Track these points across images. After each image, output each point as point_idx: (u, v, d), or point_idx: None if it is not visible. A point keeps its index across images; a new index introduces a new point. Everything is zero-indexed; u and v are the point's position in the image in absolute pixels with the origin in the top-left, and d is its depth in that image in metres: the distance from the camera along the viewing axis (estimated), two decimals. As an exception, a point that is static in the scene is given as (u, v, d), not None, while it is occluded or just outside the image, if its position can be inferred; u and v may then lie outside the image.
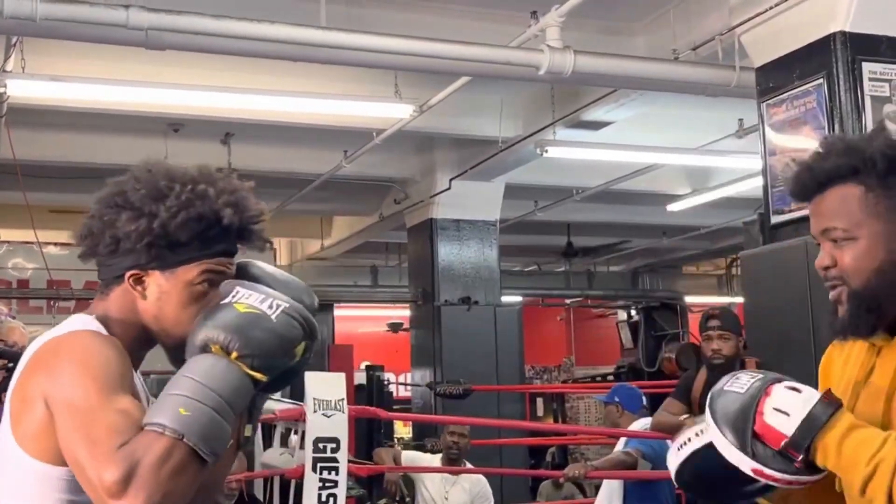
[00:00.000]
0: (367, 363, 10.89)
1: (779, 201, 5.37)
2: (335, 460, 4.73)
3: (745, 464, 1.46)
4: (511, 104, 8.01)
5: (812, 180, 1.62)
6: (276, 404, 5.85)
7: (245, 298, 1.58)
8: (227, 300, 1.58)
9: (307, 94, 6.85)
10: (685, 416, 4.72)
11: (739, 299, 5.73)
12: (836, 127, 5.03)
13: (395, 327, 14.54)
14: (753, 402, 1.47)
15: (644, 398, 5.90)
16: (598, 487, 5.70)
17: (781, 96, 5.34)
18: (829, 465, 1.46)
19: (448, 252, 9.69)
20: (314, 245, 13.12)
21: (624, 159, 8.69)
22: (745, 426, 1.45)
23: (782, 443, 1.44)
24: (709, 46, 5.94)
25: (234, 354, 1.51)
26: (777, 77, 5.40)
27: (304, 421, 4.86)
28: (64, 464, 1.50)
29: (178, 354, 1.62)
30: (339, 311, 12.50)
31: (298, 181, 9.47)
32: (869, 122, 5.01)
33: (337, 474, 4.73)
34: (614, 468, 5.17)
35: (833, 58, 5.06)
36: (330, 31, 5.25)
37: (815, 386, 1.65)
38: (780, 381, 1.53)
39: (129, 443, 1.43)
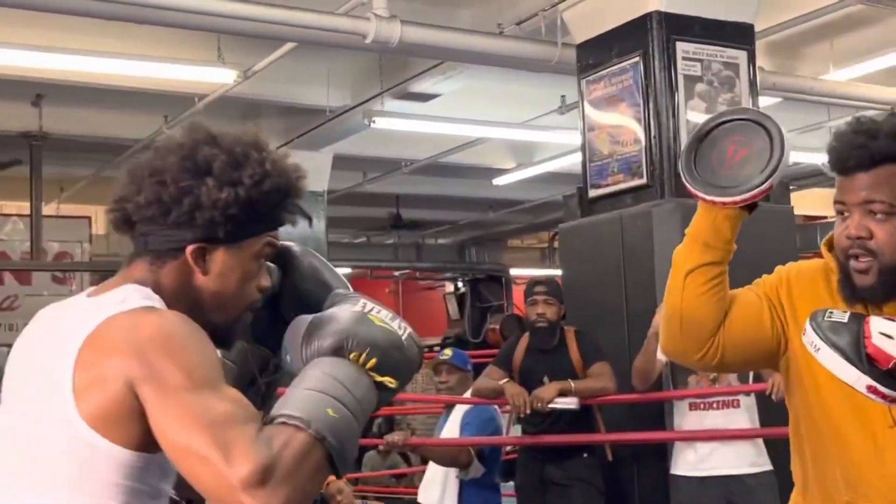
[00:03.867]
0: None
1: (596, 176, 5.53)
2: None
3: (862, 381, 1.58)
4: (339, 73, 7.92)
5: (868, 158, 1.70)
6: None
7: (377, 313, 1.49)
8: (357, 309, 1.49)
9: (124, 55, 6.56)
10: (505, 380, 4.81)
11: (560, 272, 5.87)
12: (651, 105, 5.22)
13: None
14: (861, 327, 1.60)
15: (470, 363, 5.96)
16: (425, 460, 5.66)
17: (600, 73, 5.49)
18: None
19: (274, 223, 9.51)
20: (134, 214, 12.64)
21: (450, 132, 8.75)
22: (859, 347, 1.58)
23: (892, 363, 1.57)
24: (532, 22, 6.04)
25: (371, 368, 1.43)
26: (596, 54, 5.54)
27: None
28: (140, 449, 1.37)
29: (226, 333, 1.53)
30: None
31: (116, 147, 9.08)
32: (681, 101, 5.21)
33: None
34: (448, 457, 5.06)
35: (649, 37, 5.23)
36: (147, -10, 5.04)
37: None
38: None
39: (264, 431, 1.31)
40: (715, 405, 4.43)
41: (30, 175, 9.30)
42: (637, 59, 5.26)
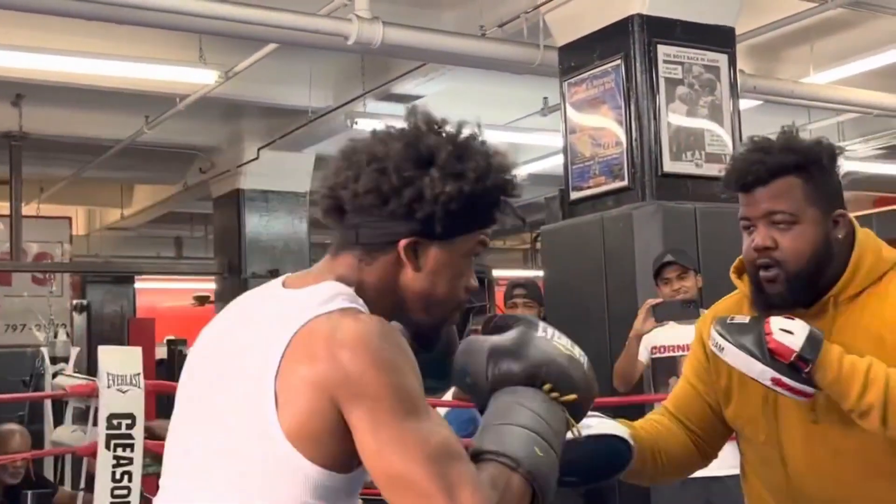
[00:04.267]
0: (171, 337, 10.58)
1: (578, 178, 5.54)
2: (130, 437, 4.56)
3: (766, 374, 1.65)
4: (321, 74, 7.91)
5: (764, 171, 1.78)
6: (67, 380, 5.59)
7: (559, 339, 1.44)
8: (540, 334, 1.44)
9: (105, 55, 6.54)
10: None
11: (542, 273, 5.89)
12: (633, 107, 5.23)
13: (201, 300, 14.18)
14: (762, 325, 1.68)
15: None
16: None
17: (582, 76, 5.50)
18: (830, 376, 1.66)
19: (256, 224, 9.52)
20: (114, 214, 12.60)
21: (433, 133, 8.75)
22: (761, 342, 1.66)
23: (792, 356, 1.65)
24: (515, 24, 6.05)
25: (566, 402, 1.39)
26: (578, 57, 5.56)
27: (97, 397, 4.66)
28: (335, 469, 1.28)
29: (431, 335, 1.45)
30: (141, 284, 12.07)
31: (96, 147, 9.06)
32: (663, 104, 5.23)
33: (132, 451, 4.56)
34: None
35: (631, 40, 5.24)
36: (128, -10, 5.02)
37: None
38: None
39: (485, 474, 1.27)
40: (695, 407, 4.44)
41: (9, 175, 9.26)
42: (619, 61, 5.28)
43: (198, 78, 6.85)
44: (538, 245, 14.81)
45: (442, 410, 5.07)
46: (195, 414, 1.40)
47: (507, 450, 1.29)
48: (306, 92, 7.86)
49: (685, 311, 4.11)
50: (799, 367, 1.64)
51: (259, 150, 9.07)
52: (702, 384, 1.97)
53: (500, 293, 12.54)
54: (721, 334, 1.70)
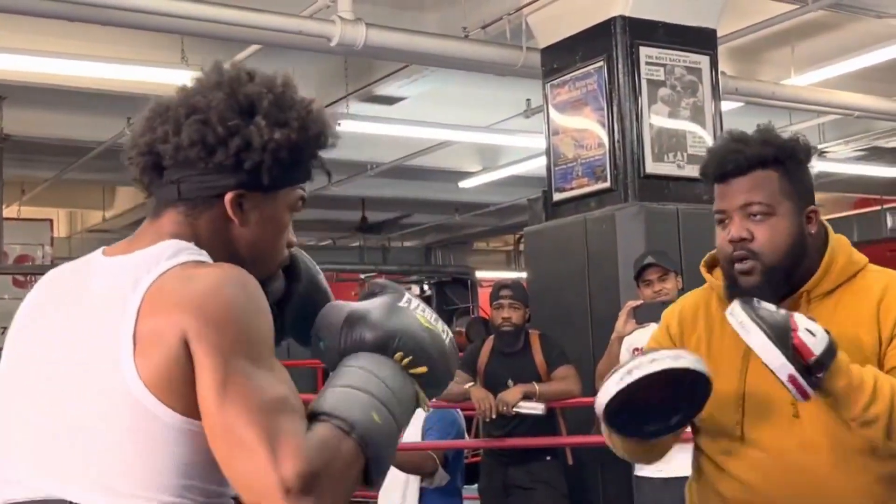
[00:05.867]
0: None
1: (560, 179, 5.55)
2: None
3: (785, 370, 1.63)
4: (304, 76, 7.89)
5: (743, 161, 1.81)
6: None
7: (422, 312, 1.39)
8: (402, 304, 1.39)
9: (87, 57, 6.50)
10: (469, 384, 4.81)
11: (525, 274, 5.90)
12: (615, 108, 5.25)
13: (184, 302, 14.12)
14: (789, 319, 1.65)
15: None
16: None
17: (565, 77, 5.52)
18: (841, 384, 1.66)
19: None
20: (95, 216, 12.54)
21: (416, 135, 8.76)
22: (787, 336, 1.63)
23: (812, 359, 1.63)
24: (497, 26, 6.06)
25: (415, 374, 1.33)
26: (561, 58, 5.57)
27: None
28: (190, 415, 1.21)
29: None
30: (123, 286, 12.02)
31: (78, 149, 9.01)
32: (645, 105, 5.25)
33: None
34: (412, 465, 5.07)
35: (613, 41, 5.26)
36: (110, -9, 5.00)
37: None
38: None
39: (315, 434, 1.19)
40: (678, 407, 4.46)
41: (-10, 177, 9.20)
42: (601, 63, 5.30)
43: (180, 79, 6.64)
44: (521, 246, 14.86)
45: (422, 412, 5.07)
46: (30, 399, 1.29)
47: (342, 412, 1.22)
48: (289, 93, 7.84)
49: (666, 312, 4.12)
50: (813, 369, 1.64)
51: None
52: None
53: (483, 294, 12.57)
54: (750, 316, 1.66)
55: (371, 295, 1.43)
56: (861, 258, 1.88)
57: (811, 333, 1.64)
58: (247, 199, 1.35)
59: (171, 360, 1.21)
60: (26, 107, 8.08)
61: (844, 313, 1.80)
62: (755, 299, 1.71)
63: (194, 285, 1.24)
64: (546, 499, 4.75)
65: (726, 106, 6.17)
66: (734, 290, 1.81)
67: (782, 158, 1.81)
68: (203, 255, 1.31)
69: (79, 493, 1.22)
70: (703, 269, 1.95)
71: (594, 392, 5.10)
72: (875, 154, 10.51)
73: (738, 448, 1.86)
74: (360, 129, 7.96)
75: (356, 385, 1.27)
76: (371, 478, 1.24)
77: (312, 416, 1.23)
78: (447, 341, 1.40)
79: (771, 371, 1.65)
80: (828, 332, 1.66)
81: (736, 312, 1.68)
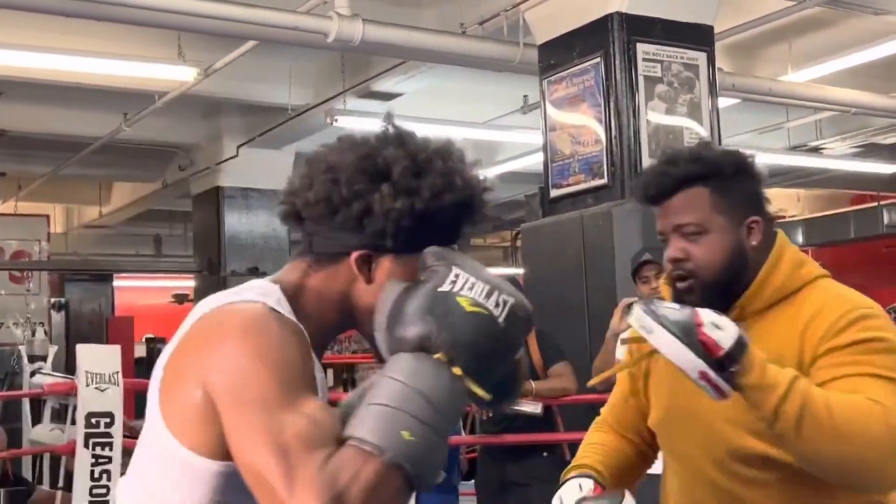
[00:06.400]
0: (149, 335, 10.54)
1: (557, 175, 5.55)
2: (109, 435, 4.55)
3: (695, 366, 1.59)
4: (301, 71, 7.89)
5: (669, 184, 1.81)
6: (45, 378, 5.57)
7: (469, 290, 1.27)
8: (446, 288, 1.27)
9: (84, 52, 6.50)
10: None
11: (522, 270, 5.90)
12: (612, 105, 5.25)
13: (180, 298, 14.12)
14: (693, 315, 1.61)
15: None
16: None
17: (562, 73, 5.52)
18: (752, 380, 1.61)
19: (236, 221, 9.49)
20: (92, 212, 12.52)
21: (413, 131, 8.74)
22: (692, 333, 1.59)
23: (721, 353, 1.59)
24: (495, 22, 6.05)
25: (459, 370, 1.24)
26: (558, 55, 5.57)
27: (76, 395, 4.64)
28: (219, 458, 1.25)
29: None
30: (119, 282, 12.02)
31: (74, 144, 9.00)
32: (642, 102, 5.25)
33: (111, 450, 4.55)
34: None
35: (610, 38, 5.26)
36: (107, -14, 4.99)
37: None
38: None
39: (332, 461, 1.17)
40: (674, 404, 4.46)
41: (-13, 173, 9.20)
42: (598, 59, 5.30)
43: (177, 75, 6.82)
44: (518, 243, 14.85)
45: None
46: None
47: (368, 435, 1.19)
48: (286, 89, 7.84)
49: (663, 309, 4.13)
50: (724, 364, 1.60)
51: (238, 147, 9.04)
52: (633, 395, 2.02)
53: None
54: (651, 315, 1.62)
55: (423, 270, 1.35)
56: (811, 272, 1.83)
57: (718, 328, 1.59)
58: (375, 258, 1.36)
59: (188, 404, 1.27)
60: (23, 102, 8.07)
61: (778, 332, 1.77)
62: (654, 301, 1.66)
63: (221, 326, 1.27)
64: (542, 495, 4.75)
65: (723, 102, 6.17)
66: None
67: (711, 174, 1.80)
68: (271, 300, 1.31)
69: None
70: (662, 286, 1.90)
71: (591, 389, 5.11)
72: (872, 150, 10.51)
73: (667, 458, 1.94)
74: (356, 125, 7.95)
75: (385, 401, 1.22)
76: (418, 489, 1.24)
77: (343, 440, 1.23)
78: (501, 319, 1.28)
79: (682, 372, 1.60)
80: (740, 328, 1.61)
81: (637, 316, 1.63)
